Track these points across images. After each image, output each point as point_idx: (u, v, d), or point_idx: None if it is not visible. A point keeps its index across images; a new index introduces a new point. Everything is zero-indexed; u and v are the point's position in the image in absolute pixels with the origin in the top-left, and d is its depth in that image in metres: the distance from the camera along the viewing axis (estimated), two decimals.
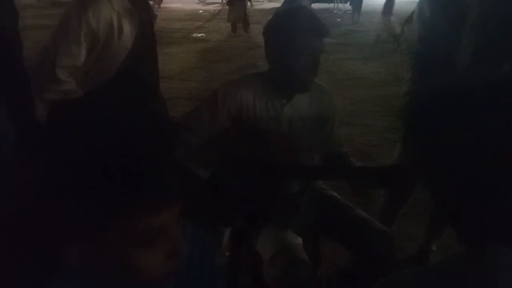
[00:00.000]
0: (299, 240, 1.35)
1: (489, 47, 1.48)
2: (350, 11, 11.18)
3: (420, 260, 2.04)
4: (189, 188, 0.68)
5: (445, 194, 0.68)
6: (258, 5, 15.17)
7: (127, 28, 1.57)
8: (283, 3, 6.89)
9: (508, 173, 0.59)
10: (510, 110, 0.61)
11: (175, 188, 0.60)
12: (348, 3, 11.35)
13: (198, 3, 12.07)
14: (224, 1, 11.31)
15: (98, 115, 0.59)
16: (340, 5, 13.68)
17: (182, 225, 0.63)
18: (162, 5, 13.18)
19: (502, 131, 0.60)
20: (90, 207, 0.54)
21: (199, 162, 1.31)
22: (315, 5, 14.18)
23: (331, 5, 14.17)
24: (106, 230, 0.55)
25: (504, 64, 1.49)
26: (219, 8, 15.24)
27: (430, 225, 2.05)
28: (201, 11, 11.34)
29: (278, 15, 1.38)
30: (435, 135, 0.69)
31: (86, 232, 0.56)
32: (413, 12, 1.91)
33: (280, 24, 1.32)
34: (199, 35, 9.07)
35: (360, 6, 11.29)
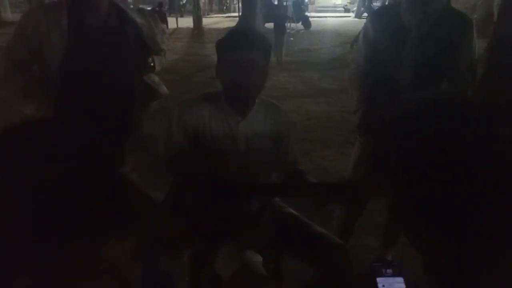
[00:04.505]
0: (259, 258, 1.35)
1: (428, 67, 1.58)
2: (302, 30, 11.41)
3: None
4: (144, 214, 0.66)
5: (399, 207, 0.71)
6: (213, 25, 15.28)
7: (54, 38, 1.56)
8: (238, 22, 7.02)
9: (457, 183, 0.62)
10: (452, 124, 0.65)
11: (126, 219, 0.58)
12: (300, 22, 11.47)
13: None
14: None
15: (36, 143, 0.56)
16: (293, 25, 14.12)
17: (141, 256, 0.61)
18: None
19: (445, 145, 0.64)
20: (36, 236, 0.51)
21: (155, 184, 1.28)
22: (268, 25, 14.55)
23: None
24: (51, 261, 0.52)
25: (443, 82, 1.59)
26: (174, 27, 15.24)
27: (384, 236, 2.12)
28: None
29: (228, 33, 1.41)
30: (387, 151, 0.72)
31: (30, 263, 0.52)
32: (360, 32, 1.99)
33: (225, 41, 1.35)
34: None
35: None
